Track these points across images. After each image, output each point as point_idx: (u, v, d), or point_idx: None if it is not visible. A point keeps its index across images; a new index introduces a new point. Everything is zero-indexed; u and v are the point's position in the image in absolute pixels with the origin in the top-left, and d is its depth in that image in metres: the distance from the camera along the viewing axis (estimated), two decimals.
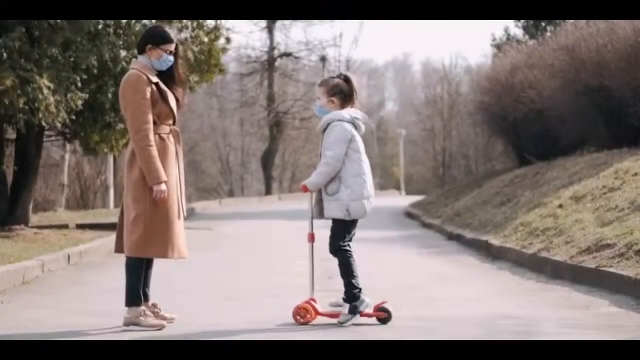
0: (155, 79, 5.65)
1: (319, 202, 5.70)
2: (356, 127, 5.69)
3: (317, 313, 5.59)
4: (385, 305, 5.62)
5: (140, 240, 5.53)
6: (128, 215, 5.61)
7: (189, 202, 28.25)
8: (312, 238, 5.74)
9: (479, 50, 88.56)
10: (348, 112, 5.68)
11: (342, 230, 5.62)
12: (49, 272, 8.79)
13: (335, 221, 5.62)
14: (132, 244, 5.56)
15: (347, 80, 5.73)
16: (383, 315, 5.58)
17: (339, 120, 5.63)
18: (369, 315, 5.59)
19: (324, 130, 5.66)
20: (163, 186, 5.52)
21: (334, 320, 5.58)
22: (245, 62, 36.29)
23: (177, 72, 5.81)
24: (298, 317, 5.56)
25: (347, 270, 5.61)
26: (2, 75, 10.33)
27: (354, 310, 5.53)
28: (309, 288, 5.69)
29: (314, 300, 5.63)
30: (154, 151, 5.54)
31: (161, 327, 5.53)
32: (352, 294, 5.57)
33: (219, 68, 14.27)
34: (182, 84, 5.91)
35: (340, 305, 5.62)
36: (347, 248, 5.62)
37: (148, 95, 5.57)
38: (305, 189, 5.67)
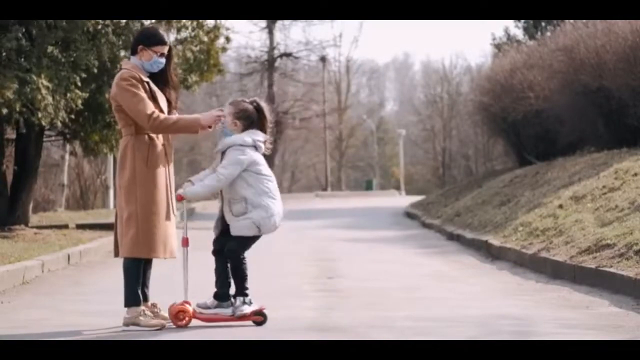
0: (145, 79, 5.66)
1: (219, 220, 5.80)
2: (257, 148, 5.73)
3: (192, 316, 5.62)
4: (264, 311, 5.68)
5: (133, 241, 5.56)
6: (122, 217, 5.65)
7: (189, 202, 28.23)
8: (186, 243, 5.79)
9: (478, 50, 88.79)
10: (249, 135, 5.70)
11: (246, 244, 5.71)
12: (49, 272, 8.79)
13: (241, 236, 5.68)
14: (126, 245, 5.59)
15: (258, 109, 5.77)
16: (259, 319, 5.64)
17: (240, 145, 5.65)
18: (246, 319, 5.63)
19: (224, 152, 5.68)
20: (202, 121, 5.64)
21: (216, 324, 5.59)
22: (245, 62, 36.36)
23: (170, 74, 5.81)
24: (178, 320, 5.57)
25: (239, 273, 5.69)
26: (5, 85, 10.31)
27: (243, 301, 5.62)
28: (184, 291, 5.71)
29: (188, 303, 5.65)
30: (172, 119, 5.60)
31: (161, 327, 5.54)
32: (241, 292, 5.67)
33: (217, 68, 14.27)
34: (175, 87, 5.91)
35: (208, 307, 5.68)
36: (243, 256, 5.72)
37: (142, 90, 5.59)
38: (180, 199, 5.70)
